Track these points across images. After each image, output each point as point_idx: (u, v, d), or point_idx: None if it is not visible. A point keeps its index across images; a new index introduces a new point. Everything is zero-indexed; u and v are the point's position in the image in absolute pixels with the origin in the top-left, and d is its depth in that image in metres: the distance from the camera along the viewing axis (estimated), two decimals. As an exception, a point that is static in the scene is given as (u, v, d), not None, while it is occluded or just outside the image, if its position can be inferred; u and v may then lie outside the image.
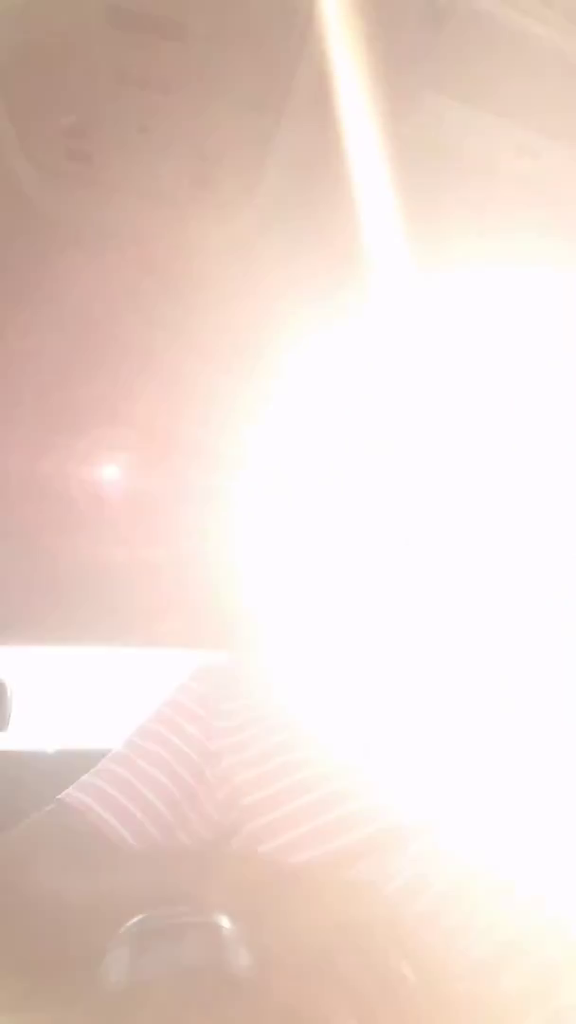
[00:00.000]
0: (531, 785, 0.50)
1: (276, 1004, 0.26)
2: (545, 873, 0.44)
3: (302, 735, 0.54)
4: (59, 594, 1.46)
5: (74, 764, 0.67)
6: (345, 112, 0.53)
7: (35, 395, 0.92)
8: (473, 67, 0.49)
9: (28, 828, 0.52)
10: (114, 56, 0.48)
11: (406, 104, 0.51)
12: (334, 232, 0.68)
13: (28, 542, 1.27)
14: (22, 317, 0.78)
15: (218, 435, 0.85)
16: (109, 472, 1.09)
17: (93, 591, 1.45)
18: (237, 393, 0.80)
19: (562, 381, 0.82)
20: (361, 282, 0.74)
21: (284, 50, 0.48)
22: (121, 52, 0.47)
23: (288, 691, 0.61)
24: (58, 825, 0.52)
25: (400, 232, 0.68)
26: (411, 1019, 0.30)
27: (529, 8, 0.46)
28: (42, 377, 0.88)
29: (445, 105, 0.51)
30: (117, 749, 0.59)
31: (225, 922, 0.26)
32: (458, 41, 0.46)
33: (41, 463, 1.06)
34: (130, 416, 0.97)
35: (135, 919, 0.26)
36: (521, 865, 0.44)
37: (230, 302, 0.77)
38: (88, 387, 0.90)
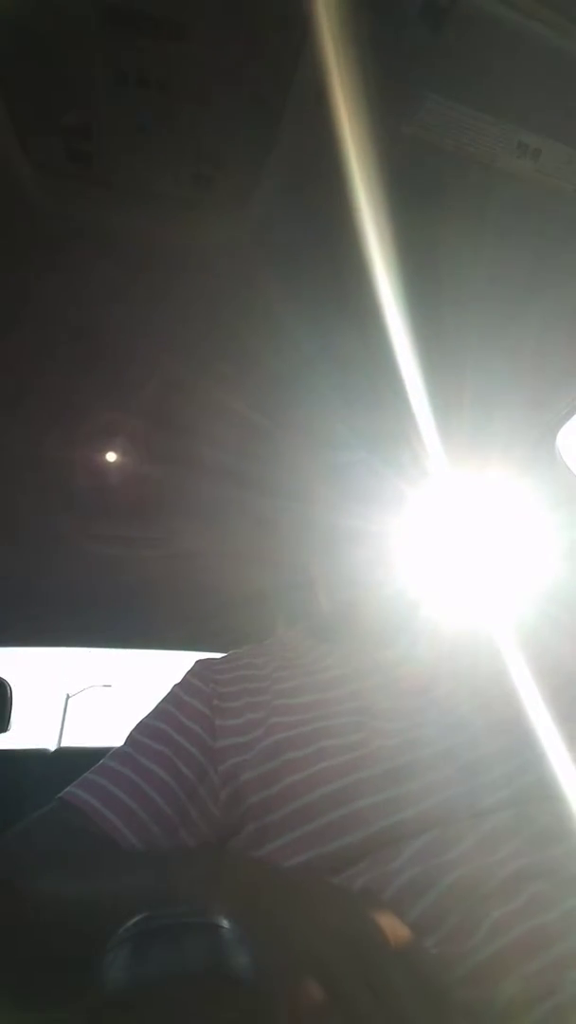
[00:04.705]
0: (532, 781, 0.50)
1: (274, 1010, 0.26)
2: (552, 869, 0.44)
3: (305, 735, 0.54)
4: (60, 594, 1.46)
5: (74, 764, 0.67)
6: (345, 112, 0.53)
7: (34, 395, 0.92)
8: (473, 67, 0.49)
9: (28, 827, 0.52)
10: (114, 56, 0.48)
11: (406, 104, 0.51)
12: (334, 232, 0.68)
13: (29, 543, 1.27)
14: (21, 316, 0.78)
15: (213, 440, 0.85)
16: (108, 474, 1.09)
17: (96, 592, 1.45)
18: (232, 396, 0.80)
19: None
20: (360, 282, 0.74)
21: (284, 50, 0.48)
22: (121, 52, 0.47)
23: (293, 689, 0.60)
24: (59, 823, 0.52)
25: (399, 233, 0.68)
26: None
27: (529, 8, 0.46)
28: (40, 376, 0.88)
29: (445, 105, 0.51)
30: (119, 747, 0.59)
31: (225, 922, 0.26)
32: (458, 41, 0.46)
33: (41, 464, 1.06)
34: (129, 416, 0.97)
35: (135, 919, 0.26)
36: (528, 863, 0.44)
37: (229, 303, 0.77)
38: (87, 387, 0.90)
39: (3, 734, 1.66)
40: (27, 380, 0.88)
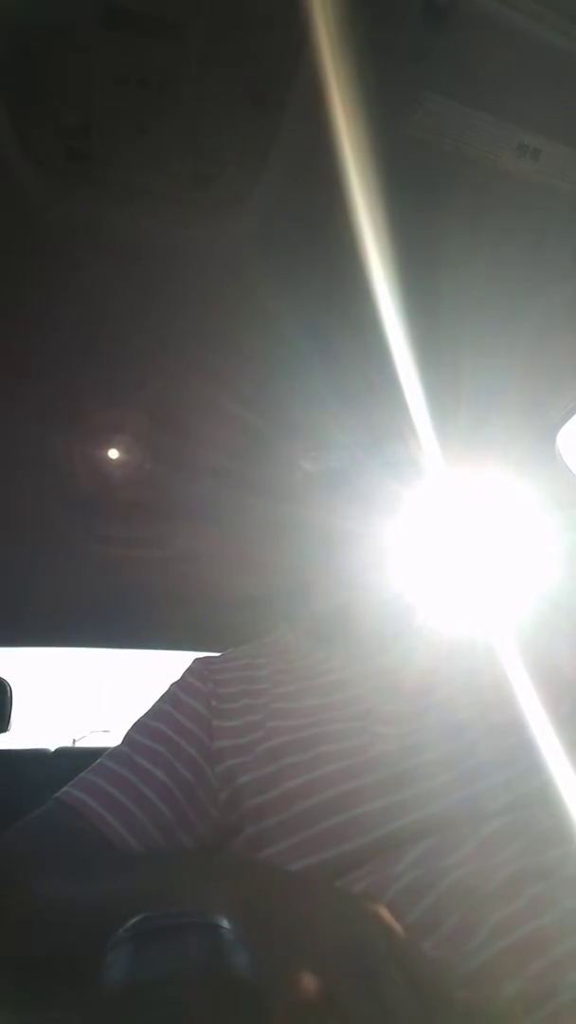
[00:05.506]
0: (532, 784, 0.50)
1: (272, 1011, 0.26)
2: (551, 871, 0.44)
3: (304, 740, 0.54)
4: (60, 594, 1.46)
5: (74, 764, 0.67)
6: (344, 112, 0.53)
7: (33, 393, 0.92)
8: (473, 67, 0.49)
9: (25, 827, 0.52)
10: (114, 56, 0.48)
11: (406, 104, 0.51)
12: (333, 232, 0.68)
13: (29, 543, 1.27)
14: (20, 315, 0.78)
15: (212, 439, 0.85)
16: (107, 473, 1.09)
17: (96, 592, 1.45)
18: (230, 396, 0.80)
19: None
20: (359, 282, 0.74)
21: (283, 50, 0.48)
22: (121, 52, 0.47)
23: (292, 693, 0.60)
24: (55, 823, 0.52)
25: (398, 233, 0.68)
26: None
27: (529, 8, 0.46)
28: (39, 374, 0.88)
29: (445, 105, 0.51)
30: (116, 746, 0.59)
31: (225, 922, 0.26)
32: (458, 41, 0.46)
33: (40, 463, 1.06)
34: (128, 415, 0.97)
35: (135, 919, 0.26)
36: (527, 865, 0.44)
37: (228, 302, 0.77)
38: (86, 386, 0.90)
39: (3, 734, 1.66)
40: (26, 379, 0.88)
